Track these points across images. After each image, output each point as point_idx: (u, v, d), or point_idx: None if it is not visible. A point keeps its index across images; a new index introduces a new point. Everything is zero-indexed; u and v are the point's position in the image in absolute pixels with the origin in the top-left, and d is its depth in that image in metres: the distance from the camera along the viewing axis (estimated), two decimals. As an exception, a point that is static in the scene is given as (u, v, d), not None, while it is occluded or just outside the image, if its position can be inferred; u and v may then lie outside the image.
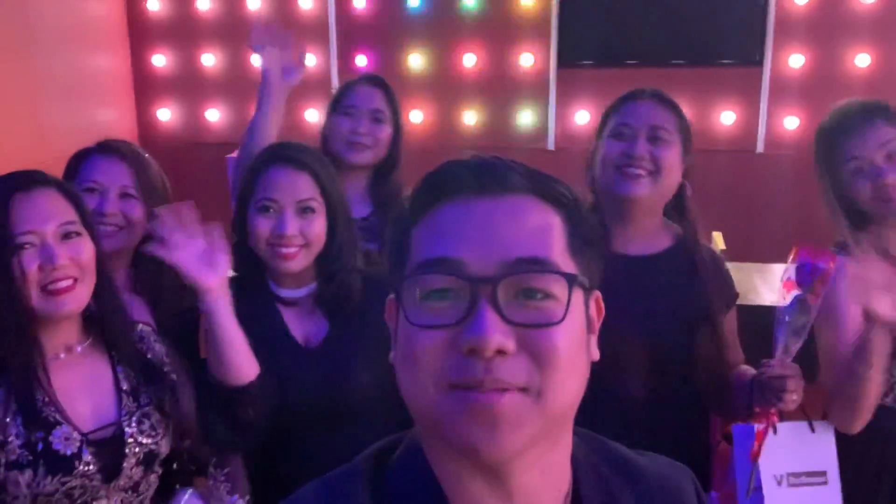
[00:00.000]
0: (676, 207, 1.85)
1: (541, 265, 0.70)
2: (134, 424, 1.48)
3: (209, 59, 4.46)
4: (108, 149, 1.86)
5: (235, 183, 2.35)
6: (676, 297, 1.77)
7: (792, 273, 1.67)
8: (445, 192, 0.74)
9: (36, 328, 1.43)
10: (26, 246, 1.39)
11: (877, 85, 3.83)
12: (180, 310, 1.73)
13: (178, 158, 4.48)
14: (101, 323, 1.52)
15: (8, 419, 1.38)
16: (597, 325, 0.77)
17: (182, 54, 4.49)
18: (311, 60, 4.24)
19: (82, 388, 1.47)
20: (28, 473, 1.36)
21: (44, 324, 1.44)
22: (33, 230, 1.40)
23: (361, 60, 4.29)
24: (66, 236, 1.43)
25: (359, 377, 1.69)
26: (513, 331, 0.69)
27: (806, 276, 1.64)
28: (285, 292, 1.76)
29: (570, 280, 0.71)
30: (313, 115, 4.19)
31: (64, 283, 1.41)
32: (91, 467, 1.41)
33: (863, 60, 3.88)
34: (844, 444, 1.78)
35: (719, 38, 3.98)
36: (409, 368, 0.72)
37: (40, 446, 1.38)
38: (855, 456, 1.81)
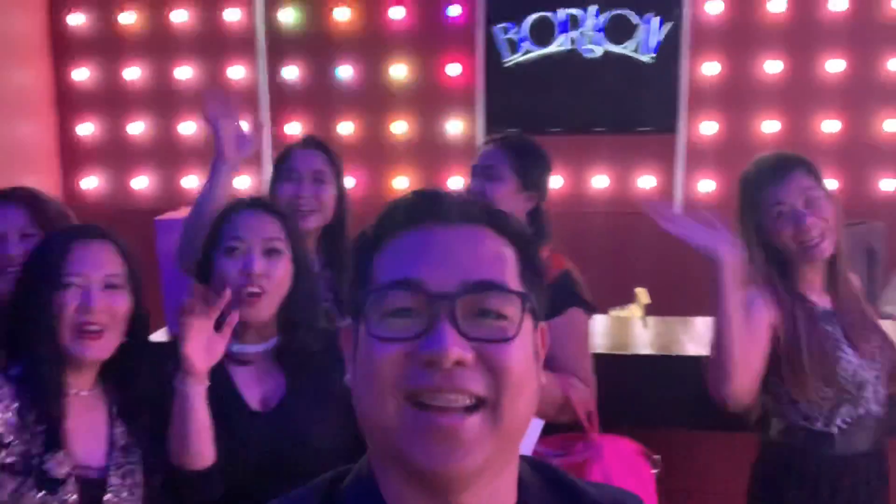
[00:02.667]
0: None
1: (497, 287, 0.75)
2: (118, 477, 1.54)
3: (137, 128, 4.44)
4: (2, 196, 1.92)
5: (168, 248, 2.35)
6: None
7: None
8: (407, 221, 0.78)
9: (65, 363, 1.53)
10: (71, 286, 1.52)
11: (786, 150, 4.05)
12: None
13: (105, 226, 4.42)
14: (119, 376, 1.60)
15: (21, 425, 1.45)
16: (542, 356, 0.81)
17: (109, 122, 4.46)
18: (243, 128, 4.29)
19: (80, 429, 1.53)
20: (17, 480, 1.42)
21: (72, 362, 1.54)
22: (80, 273, 1.53)
23: (293, 128, 4.34)
24: (109, 286, 1.55)
25: (317, 436, 1.67)
26: (470, 345, 0.72)
27: None
28: (245, 347, 1.73)
29: (524, 299, 0.76)
30: (244, 182, 4.21)
31: (94, 328, 1.52)
32: (72, 497, 1.46)
33: (771, 127, 4.12)
34: (793, 473, 1.90)
35: (636, 108, 4.18)
36: (367, 382, 0.74)
37: (35, 460, 1.44)
38: (805, 485, 1.92)
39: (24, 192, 1.94)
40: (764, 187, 2.02)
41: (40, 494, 1.43)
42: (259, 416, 1.70)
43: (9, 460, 1.43)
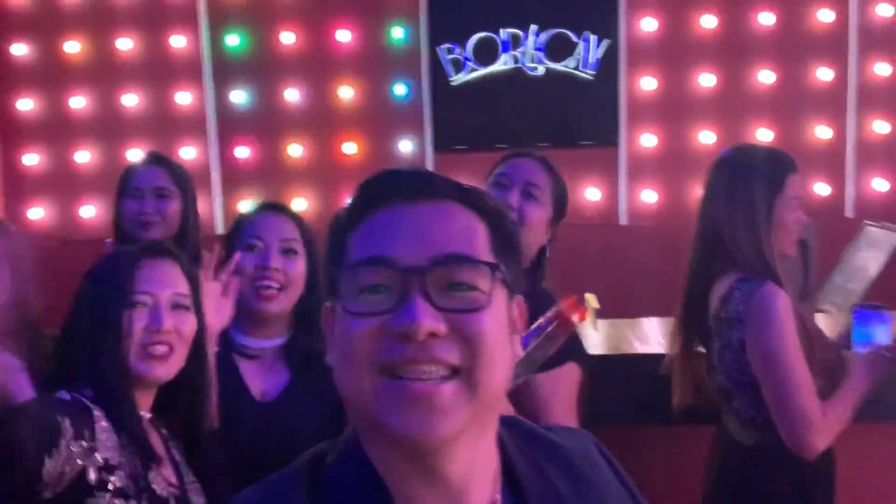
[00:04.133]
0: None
1: (467, 259, 0.77)
2: (196, 495, 1.53)
3: (83, 156, 4.42)
4: None
5: None
6: None
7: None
8: (378, 199, 0.80)
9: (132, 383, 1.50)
10: (139, 305, 1.49)
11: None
12: None
13: (52, 256, 4.37)
14: (179, 396, 1.57)
15: (123, 447, 1.41)
16: (519, 326, 0.83)
17: (54, 152, 4.43)
18: (190, 153, 4.29)
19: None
20: (132, 503, 1.38)
21: (138, 383, 1.51)
22: (150, 292, 1.50)
23: (242, 151, 4.36)
24: (176, 307, 1.52)
25: (307, 433, 1.68)
26: (443, 316, 0.74)
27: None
28: (253, 342, 1.80)
29: (493, 269, 0.78)
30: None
31: (161, 349, 1.49)
32: None
33: (707, 138, 4.28)
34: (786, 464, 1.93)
35: (579, 123, 4.31)
36: (344, 357, 0.77)
37: (142, 482, 1.42)
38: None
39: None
40: (786, 173, 2.02)
41: None
42: (256, 404, 1.77)
43: (119, 484, 1.39)
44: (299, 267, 1.81)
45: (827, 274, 3.37)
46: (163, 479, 1.46)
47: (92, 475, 1.35)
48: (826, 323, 2.93)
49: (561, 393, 1.82)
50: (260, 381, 1.80)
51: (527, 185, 1.89)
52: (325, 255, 0.85)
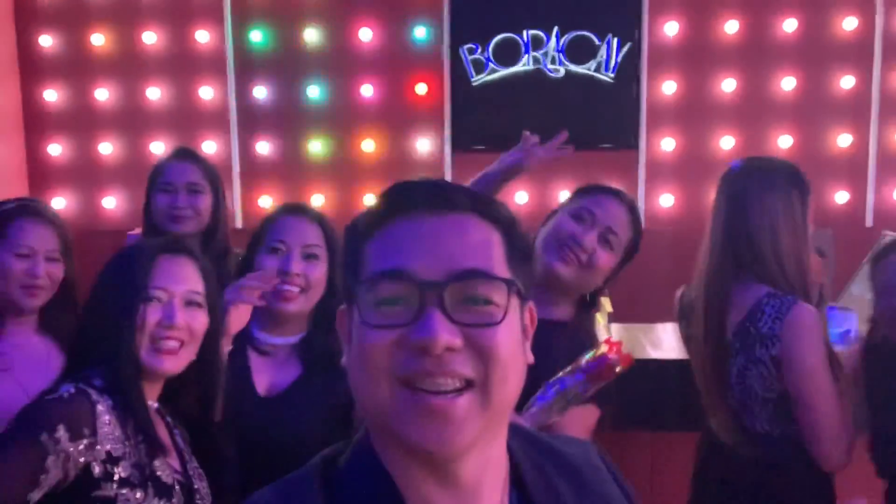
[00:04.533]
0: None
1: (484, 275, 0.78)
2: (200, 481, 1.58)
3: (106, 148, 4.46)
4: (34, 212, 1.97)
5: None
6: None
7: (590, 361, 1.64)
8: (397, 210, 0.81)
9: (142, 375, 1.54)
10: (154, 300, 1.53)
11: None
12: None
13: (74, 246, 4.42)
14: (188, 387, 1.61)
15: (127, 438, 1.45)
16: (530, 332, 0.85)
17: (79, 142, 4.48)
18: (212, 147, 4.33)
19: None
20: (139, 493, 1.42)
21: (149, 375, 1.55)
22: (165, 288, 1.54)
23: (263, 147, 4.39)
24: (190, 303, 1.56)
25: (310, 431, 1.74)
26: (459, 330, 0.76)
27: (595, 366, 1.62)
28: (268, 338, 1.84)
29: (509, 285, 0.79)
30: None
31: (171, 344, 1.53)
32: (180, 502, 1.49)
33: (727, 143, 4.26)
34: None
35: (598, 125, 4.31)
36: (361, 367, 0.79)
37: (148, 470, 1.46)
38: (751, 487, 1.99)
39: (53, 214, 2.04)
40: (810, 190, 2.04)
41: (162, 502, 1.45)
42: (261, 400, 1.81)
43: (124, 474, 1.43)
44: (320, 271, 1.84)
45: (844, 283, 3.37)
46: (168, 467, 1.49)
47: (97, 469, 1.41)
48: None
49: (575, 432, 1.74)
50: (268, 376, 1.83)
51: (608, 231, 1.88)
52: (341, 261, 0.86)
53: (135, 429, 1.47)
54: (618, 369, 1.57)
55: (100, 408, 1.44)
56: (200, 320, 1.57)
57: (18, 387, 1.81)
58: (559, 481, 0.87)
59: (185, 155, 2.53)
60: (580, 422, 1.75)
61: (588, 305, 1.95)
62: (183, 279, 1.56)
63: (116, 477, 1.42)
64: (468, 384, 0.76)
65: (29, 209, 1.97)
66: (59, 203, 4.51)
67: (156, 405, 1.58)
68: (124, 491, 1.41)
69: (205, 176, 2.45)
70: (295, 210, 1.92)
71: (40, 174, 4.51)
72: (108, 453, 1.41)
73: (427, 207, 0.81)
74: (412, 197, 0.82)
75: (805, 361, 1.90)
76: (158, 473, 1.46)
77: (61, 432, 1.36)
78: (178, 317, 1.52)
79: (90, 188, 4.51)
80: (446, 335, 0.75)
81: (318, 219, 1.89)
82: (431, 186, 0.84)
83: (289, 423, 1.75)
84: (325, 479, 0.82)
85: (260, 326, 1.86)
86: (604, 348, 1.60)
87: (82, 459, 1.38)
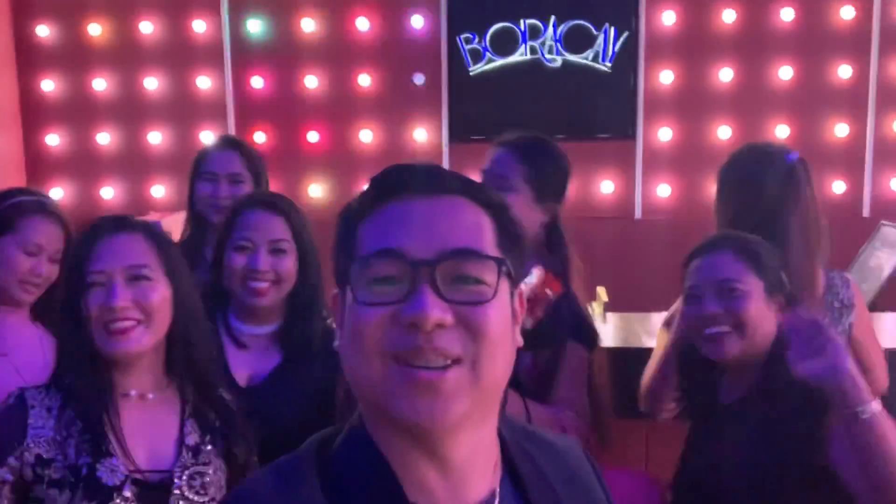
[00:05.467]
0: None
1: (474, 254, 0.80)
2: (185, 478, 1.49)
3: (104, 138, 4.47)
4: (49, 212, 1.95)
5: None
6: None
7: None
8: (390, 193, 0.83)
9: (109, 364, 1.48)
10: (95, 285, 1.46)
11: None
12: None
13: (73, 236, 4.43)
14: (182, 372, 1.54)
15: (65, 440, 1.42)
16: (520, 317, 0.86)
17: (76, 133, 4.48)
18: (209, 137, 4.34)
19: (146, 432, 1.50)
20: (66, 495, 1.39)
21: (116, 362, 1.49)
22: (102, 270, 1.46)
23: (260, 137, 4.39)
24: (135, 279, 1.47)
25: (290, 418, 1.73)
26: (450, 307, 0.77)
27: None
28: (247, 329, 1.85)
29: (499, 263, 0.81)
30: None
31: (123, 325, 1.45)
32: (127, 502, 1.43)
33: (724, 133, 4.27)
34: None
35: (595, 115, 4.32)
36: (354, 345, 0.79)
37: (84, 471, 1.41)
38: None
39: (60, 210, 1.99)
40: None
41: None
42: (241, 391, 1.79)
43: (56, 476, 1.41)
44: (289, 262, 1.84)
45: (840, 273, 3.38)
46: (120, 468, 1.44)
47: (28, 472, 1.42)
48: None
49: (566, 371, 1.84)
50: (247, 367, 1.84)
51: (496, 179, 1.98)
52: (335, 244, 0.87)
53: (84, 428, 1.44)
54: (548, 291, 1.63)
55: (33, 412, 1.44)
56: (151, 293, 1.48)
57: (14, 370, 1.82)
58: (548, 470, 0.88)
59: (229, 144, 2.51)
60: (565, 362, 1.84)
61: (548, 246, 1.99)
62: (122, 256, 1.48)
63: (46, 479, 1.41)
64: (457, 361, 0.77)
65: (46, 207, 1.95)
66: (57, 193, 4.51)
67: (152, 395, 1.52)
68: (52, 492, 1.40)
69: (247, 166, 2.42)
70: (258, 203, 1.88)
71: (38, 164, 4.52)
72: (38, 456, 1.42)
73: (419, 190, 0.82)
74: (405, 180, 0.83)
75: (870, 322, 2.19)
76: (99, 474, 1.42)
77: None
78: (118, 297, 1.44)
79: (88, 178, 4.52)
80: (437, 311, 0.76)
81: (282, 209, 1.86)
82: (424, 170, 0.85)
83: (271, 412, 1.74)
84: (320, 462, 0.83)
85: (236, 318, 1.87)
86: (534, 277, 1.64)
87: (17, 469, 1.42)
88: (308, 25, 4.32)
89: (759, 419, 1.62)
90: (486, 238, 0.82)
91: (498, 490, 0.84)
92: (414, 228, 0.80)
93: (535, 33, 4.23)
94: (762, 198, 2.05)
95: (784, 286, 1.73)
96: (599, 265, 3.91)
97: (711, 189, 3.73)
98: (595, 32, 4.22)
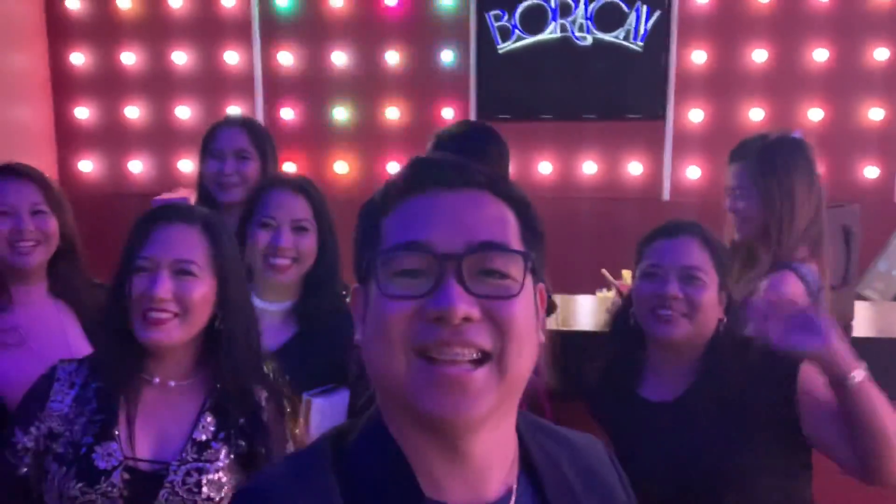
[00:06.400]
0: None
1: (501, 247, 0.80)
2: (180, 473, 1.47)
3: (133, 112, 4.49)
4: (13, 171, 1.94)
5: None
6: None
7: None
8: (415, 186, 0.82)
9: (140, 349, 1.49)
10: (141, 270, 1.47)
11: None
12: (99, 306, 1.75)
13: (101, 209, 4.47)
14: (214, 366, 1.54)
15: (76, 417, 1.47)
16: (542, 314, 0.86)
17: (105, 106, 4.51)
18: (236, 112, 4.34)
19: (158, 420, 1.50)
20: (63, 469, 1.43)
21: (147, 348, 1.49)
22: (151, 257, 1.48)
23: (287, 113, 4.39)
24: (180, 273, 1.48)
25: (310, 381, 1.78)
26: (476, 301, 0.77)
27: None
28: (264, 304, 1.89)
29: (526, 258, 0.80)
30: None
31: (159, 315, 1.46)
32: (115, 490, 1.43)
33: (756, 115, 4.20)
34: None
35: (625, 95, 4.26)
36: (378, 337, 0.79)
37: (83, 450, 1.44)
38: None
39: (34, 171, 1.98)
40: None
41: (79, 485, 1.42)
42: None
43: (60, 450, 1.45)
44: (310, 240, 1.90)
45: (871, 260, 3.33)
46: (116, 453, 1.44)
47: (41, 443, 1.47)
48: (866, 310, 2.90)
49: None
50: (264, 338, 1.84)
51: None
52: (356, 239, 0.86)
53: (98, 409, 1.47)
54: None
55: (56, 385, 1.49)
56: (195, 290, 1.48)
57: (34, 358, 1.77)
58: (567, 468, 0.88)
59: (235, 121, 2.53)
60: None
61: None
62: (173, 247, 1.49)
63: (52, 452, 1.46)
64: (485, 356, 0.77)
65: (11, 169, 1.93)
66: (87, 166, 4.55)
67: (174, 383, 1.52)
68: (53, 465, 1.45)
69: (252, 142, 2.43)
70: (283, 183, 1.96)
71: (68, 137, 4.55)
72: (50, 429, 1.47)
73: (444, 184, 0.82)
74: (429, 173, 0.83)
75: None
76: (94, 456, 1.43)
77: (18, 436, 1.48)
78: (159, 288, 1.45)
79: (117, 152, 4.55)
80: (464, 305, 0.76)
81: (305, 190, 1.92)
82: (448, 163, 0.85)
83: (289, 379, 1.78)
84: (336, 455, 0.82)
85: (255, 293, 1.90)
86: None
87: (36, 434, 1.48)
88: (336, 1, 4.29)
89: (720, 405, 1.66)
90: (511, 232, 0.82)
91: (515, 487, 0.83)
92: (440, 221, 0.80)
93: (565, 11, 4.17)
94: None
95: (728, 289, 1.76)
96: (626, 247, 3.89)
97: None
98: (627, 10, 4.15)
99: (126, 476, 1.44)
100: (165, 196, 3.83)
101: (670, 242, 1.74)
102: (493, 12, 4.20)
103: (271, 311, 1.91)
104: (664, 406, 1.74)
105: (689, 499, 1.67)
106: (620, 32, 4.17)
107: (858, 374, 1.49)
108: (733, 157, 2.26)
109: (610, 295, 2.85)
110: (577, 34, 4.18)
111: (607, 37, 4.18)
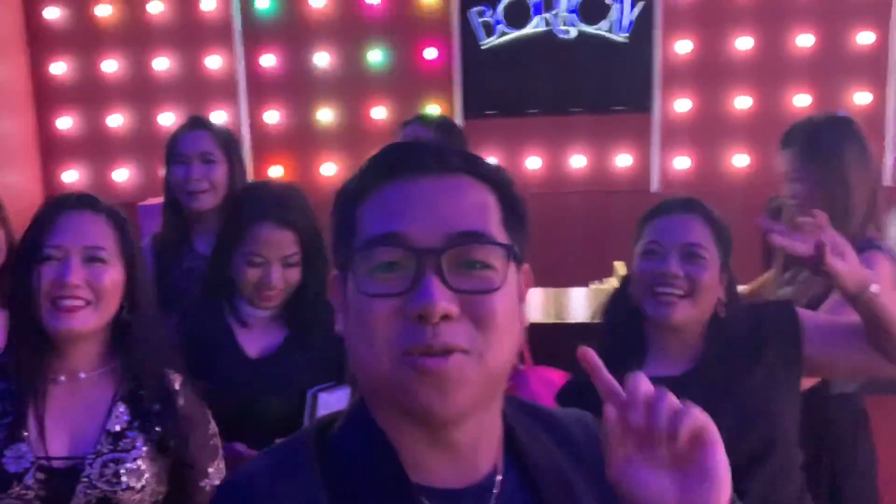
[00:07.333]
0: None
1: (481, 238, 0.77)
2: (96, 466, 1.46)
3: (116, 120, 4.45)
4: None
5: (151, 231, 2.42)
6: None
7: None
8: (390, 172, 0.80)
9: (49, 344, 1.47)
10: (50, 259, 1.45)
11: (758, 126, 4.14)
12: None
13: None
14: (124, 355, 1.53)
15: None
16: (525, 295, 0.84)
17: (88, 115, 4.47)
18: (221, 117, 4.31)
19: (70, 415, 1.48)
20: None
21: (56, 344, 1.47)
22: (60, 245, 1.45)
23: (272, 116, 4.36)
24: (91, 260, 1.46)
25: (305, 383, 1.79)
26: (456, 297, 0.75)
27: None
28: (253, 311, 1.89)
29: (508, 250, 0.78)
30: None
31: (72, 303, 1.44)
32: (30, 493, 1.40)
33: (744, 103, 4.19)
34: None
35: (611, 87, 4.24)
36: (362, 337, 0.78)
37: None
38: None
39: None
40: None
41: None
42: (251, 362, 1.86)
43: None
44: (298, 273, 1.86)
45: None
46: (30, 454, 1.42)
47: None
48: None
49: None
50: (256, 342, 1.89)
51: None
52: (332, 227, 0.84)
53: (4, 411, 1.44)
54: None
55: None
56: (105, 276, 1.46)
57: None
58: (556, 449, 0.87)
59: (198, 124, 2.45)
60: None
61: None
62: (82, 234, 1.46)
63: None
64: (464, 352, 0.76)
65: None
66: (72, 176, 4.51)
67: (84, 374, 1.50)
68: None
69: (218, 144, 2.37)
70: (271, 216, 1.84)
71: (51, 148, 4.52)
72: None
73: (420, 169, 0.79)
74: (404, 158, 0.80)
75: None
76: (4, 461, 1.41)
77: None
78: (72, 274, 1.43)
79: (101, 161, 4.51)
80: (444, 302, 0.74)
81: (294, 225, 1.84)
82: (424, 148, 0.82)
83: (282, 382, 1.79)
84: (320, 443, 0.81)
85: (241, 299, 1.90)
86: None
87: None
88: (317, 2, 4.26)
89: (727, 379, 1.65)
90: (493, 218, 0.80)
91: (500, 467, 0.82)
92: (417, 211, 0.77)
93: (548, 4, 4.15)
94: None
95: (730, 270, 1.71)
96: (616, 239, 3.88)
97: (730, 161, 3.69)
98: (610, 2, 4.14)
99: (41, 476, 1.42)
100: (151, 201, 3.80)
101: (670, 220, 1.69)
102: (475, 8, 4.18)
103: (260, 315, 1.90)
104: (670, 380, 1.69)
105: None
106: (605, 24, 4.16)
107: (875, 287, 1.63)
108: (783, 143, 2.26)
109: (606, 287, 2.83)
110: (561, 27, 4.16)
111: (591, 29, 4.16)
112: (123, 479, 1.46)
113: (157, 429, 1.51)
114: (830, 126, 2.21)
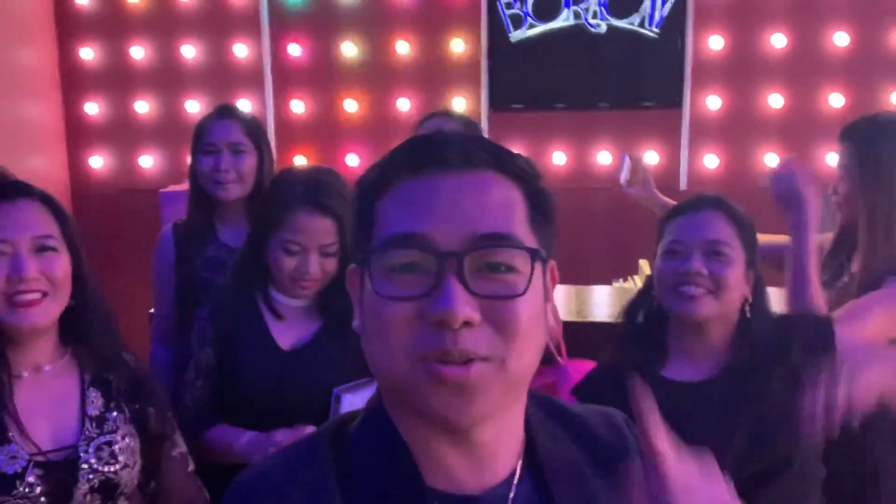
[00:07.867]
0: None
1: (505, 240, 0.73)
2: (91, 451, 1.45)
3: (142, 106, 4.46)
4: None
5: (172, 218, 2.40)
6: None
7: None
8: (412, 167, 0.76)
9: (5, 343, 1.42)
10: None
11: (791, 125, 4.06)
12: None
13: (111, 205, 4.46)
14: (77, 342, 1.51)
15: None
16: (552, 293, 0.81)
17: (115, 101, 4.48)
18: (246, 106, 4.30)
19: (45, 408, 1.45)
20: None
21: (13, 339, 1.43)
22: (7, 239, 1.40)
23: (297, 106, 4.34)
24: (41, 249, 1.43)
25: (336, 376, 1.76)
26: (478, 302, 0.71)
27: None
28: (286, 301, 1.85)
29: (533, 254, 0.74)
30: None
31: (30, 297, 1.40)
32: (35, 489, 1.38)
33: (776, 101, 4.11)
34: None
35: (640, 82, 4.18)
36: (378, 339, 0.75)
37: None
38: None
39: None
40: None
41: None
42: (284, 354, 1.83)
43: None
44: (335, 262, 1.80)
45: None
46: (24, 453, 1.39)
47: None
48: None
49: None
50: (288, 334, 1.85)
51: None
52: (352, 219, 0.81)
53: None
54: None
55: None
56: (60, 264, 1.43)
57: None
58: (572, 447, 0.84)
59: (227, 113, 2.41)
60: None
61: None
62: (27, 225, 1.41)
63: None
64: (485, 360, 0.73)
65: None
66: (97, 162, 4.53)
67: (49, 367, 1.48)
68: None
69: (247, 134, 2.35)
70: (312, 203, 1.77)
71: (78, 133, 4.53)
72: None
73: (443, 164, 0.75)
74: (427, 152, 0.76)
75: None
76: None
77: None
78: (27, 268, 1.39)
79: (127, 147, 4.52)
80: (465, 309, 0.71)
81: (334, 212, 1.77)
82: (447, 141, 0.77)
83: (315, 374, 1.77)
84: (336, 443, 0.79)
85: (277, 289, 1.87)
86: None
87: None
88: (346, -9, 4.24)
89: (747, 391, 1.59)
90: (518, 217, 0.76)
91: (518, 469, 0.80)
92: (439, 210, 0.73)
93: (578, -3, 4.10)
94: None
95: (756, 266, 1.67)
96: (641, 237, 3.82)
97: (761, 160, 3.63)
98: (641, -4, 4.07)
99: (39, 472, 1.39)
100: (172, 188, 3.80)
101: (693, 218, 1.66)
102: (504, 0, 4.13)
103: (294, 305, 1.86)
104: (688, 386, 1.66)
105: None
106: (635, 18, 4.09)
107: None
108: (841, 135, 2.11)
109: (629, 286, 2.79)
110: (591, 21, 4.10)
111: (622, 23, 4.10)
112: (120, 458, 1.47)
113: (135, 405, 1.52)
114: (892, 131, 2.03)
